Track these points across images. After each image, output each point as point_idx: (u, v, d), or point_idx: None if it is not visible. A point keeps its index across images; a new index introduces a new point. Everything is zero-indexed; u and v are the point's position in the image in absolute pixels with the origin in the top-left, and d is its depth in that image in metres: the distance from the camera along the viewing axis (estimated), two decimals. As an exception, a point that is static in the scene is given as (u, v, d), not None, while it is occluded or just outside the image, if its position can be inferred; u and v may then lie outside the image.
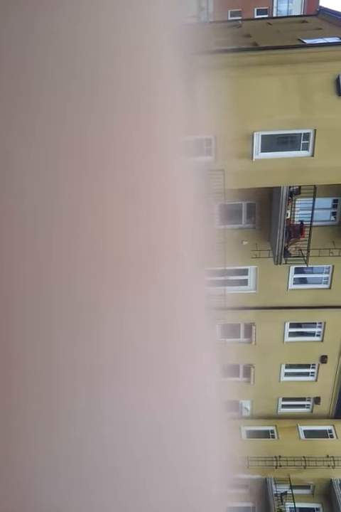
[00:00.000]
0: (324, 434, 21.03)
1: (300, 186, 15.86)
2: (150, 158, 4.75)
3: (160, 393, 5.03)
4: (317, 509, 20.69)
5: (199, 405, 6.04)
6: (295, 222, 16.74)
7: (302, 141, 14.42)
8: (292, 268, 18.18)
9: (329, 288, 18.42)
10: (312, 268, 18.17)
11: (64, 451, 4.37)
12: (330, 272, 18.21)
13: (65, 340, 4.32)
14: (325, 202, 16.98)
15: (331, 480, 20.00)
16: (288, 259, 16.87)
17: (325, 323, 19.24)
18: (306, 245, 16.33)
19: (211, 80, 12.28)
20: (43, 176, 4.00)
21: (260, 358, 19.99)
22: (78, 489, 4.53)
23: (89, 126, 4.07)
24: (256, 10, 36.39)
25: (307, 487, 20.66)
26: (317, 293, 18.59)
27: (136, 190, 4.58)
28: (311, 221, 15.97)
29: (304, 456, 19.75)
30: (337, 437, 20.76)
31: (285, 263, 17.05)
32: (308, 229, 16.15)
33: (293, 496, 19.55)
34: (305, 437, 20.89)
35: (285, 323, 19.44)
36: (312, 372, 20.62)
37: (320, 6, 24.33)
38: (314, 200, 15.51)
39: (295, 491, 19.72)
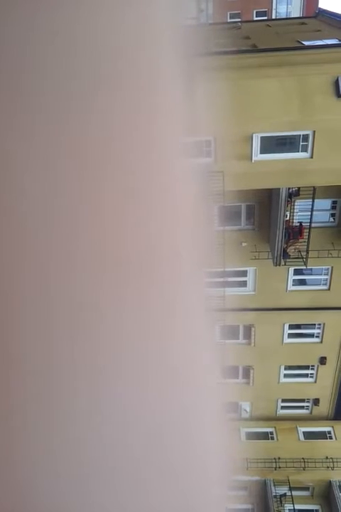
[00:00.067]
0: (323, 436, 21.02)
1: (299, 188, 15.88)
2: (150, 158, 4.75)
3: (159, 393, 5.03)
4: (317, 511, 20.67)
5: (198, 406, 6.03)
6: (294, 224, 16.75)
7: (301, 143, 14.44)
8: (291, 269, 18.18)
9: (329, 289, 18.42)
10: (311, 269, 18.17)
11: (64, 451, 4.37)
12: (329, 274, 18.22)
13: (65, 340, 4.32)
14: (324, 203, 16.99)
15: (330, 481, 19.99)
16: (287, 260, 16.87)
17: (324, 324, 19.24)
18: (305, 247, 16.33)
19: (210, 81, 12.28)
20: (43, 176, 4.00)
21: (259, 360, 19.98)
22: (78, 489, 4.53)
23: (90, 126, 4.08)
24: (255, 12, 36.48)
25: (306, 489, 20.64)
26: (316, 294, 18.60)
27: (136, 190, 4.58)
28: (310, 222, 15.97)
29: (303, 458, 19.74)
30: (336, 439, 20.75)
31: (285, 264, 17.05)
32: (307, 230, 16.15)
33: (292, 498, 19.52)
34: (305, 439, 20.88)
35: (284, 325, 19.44)
36: (311, 374, 20.62)
37: (319, 8, 24.39)
38: (313, 201, 15.51)
39: (294, 493, 19.70)
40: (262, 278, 18.33)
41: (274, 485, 19.83)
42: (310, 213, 15.81)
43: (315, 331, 19.59)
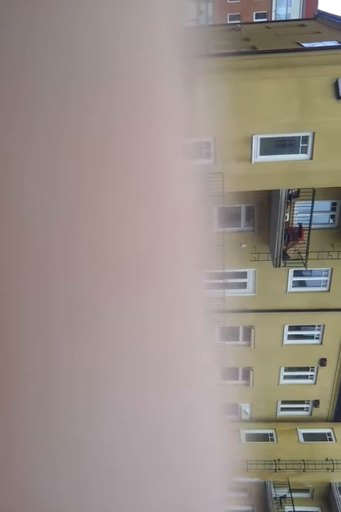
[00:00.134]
0: (323, 438, 20.99)
1: (299, 189, 15.88)
2: (150, 159, 4.75)
3: (159, 394, 5.02)
4: (316, 513, 20.67)
5: (198, 407, 6.02)
6: (294, 225, 16.75)
7: (301, 145, 14.45)
8: (291, 271, 18.18)
9: (328, 291, 18.41)
10: (311, 271, 18.17)
11: (63, 452, 4.36)
12: (329, 275, 18.21)
13: (65, 340, 4.32)
14: (323, 205, 16.99)
15: (330, 483, 19.96)
16: (287, 262, 16.87)
17: (324, 326, 19.23)
18: (305, 248, 16.33)
19: (210, 83, 12.29)
20: (43, 176, 4.00)
21: (259, 361, 19.97)
22: (77, 489, 4.52)
23: (89, 127, 4.08)
24: (254, 14, 36.55)
25: (306, 490, 20.61)
26: (316, 296, 18.59)
27: (136, 190, 4.58)
28: (310, 224, 15.98)
29: (303, 460, 19.71)
30: (336, 440, 20.72)
31: (284, 266, 17.04)
32: (307, 232, 16.15)
33: (292, 500, 19.50)
34: (304, 440, 20.85)
35: (284, 326, 19.42)
36: (311, 375, 20.60)
37: (319, 10, 24.44)
38: (313, 203, 15.52)
39: (294, 495, 19.66)
40: (262, 279, 18.33)
41: (274, 487, 19.80)
42: (309, 215, 15.82)
43: (315, 333, 19.58)
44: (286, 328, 19.49)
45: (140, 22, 4.30)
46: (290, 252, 16.71)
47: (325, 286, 18.42)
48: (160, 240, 5.13)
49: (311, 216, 15.80)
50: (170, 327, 5.41)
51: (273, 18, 36.84)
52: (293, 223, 16.71)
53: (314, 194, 15.31)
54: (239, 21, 31.61)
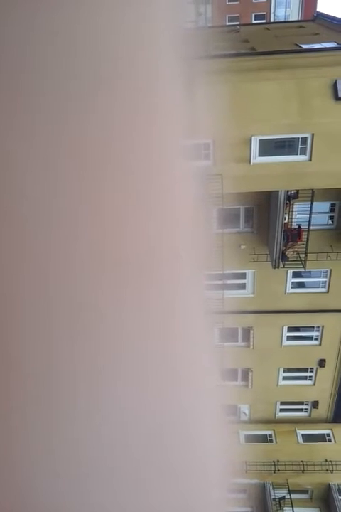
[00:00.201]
0: (322, 439, 21.01)
1: (297, 190, 15.92)
2: (150, 159, 4.75)
3: (159, 394, 5.02)
4: (315, 514, 20.66)
5: (198, 407, 6.02)
6: (292, 226, 16.78)
7: (300, 146, 14.48)
8: (290, 272, 18.21)
9: (327, 292, 18.45)
10: (310, 272, 18.21)
11: (63, 452, 4.36)
12: (328, 276, 18.25)
13: (65, 340, 4.31)
14: (322, 206, 17.03)
15: (329, 484, 19.98)
16: (286, 263, 16.90)
17: (322, 327, 19.26)
18: (304, 249, 16.37)
19: (209, 84, 12.31)
20: (43, 176, 4.00)
21: (258, 362, 19.99)
22: (77, 489, 4.52)
23: (89, 126, 4.08)
24: (253, 15, 36.62)
25: (305, 492, 20.62)
26: (315, 297, 18.62)
27: (136, 190, 4.58)
28: (309, 225, 16.02)
29: (302, 461, 19.72)
30: (335, 441, 20.74)
31: (283, 267, 17.08)
32: (306, 233, 16.19)
33: (291, 501, 19.50)
34: (303, 441, 20.87)
35: (283, 327, 19.45)
36: (310, 377, 20.63)
37: (317, 12, 24.50)
38: (312, 204, 15.56)
39: (293, 496, 19.67)
40: (261, 280, 18.36)
41: (273, 488, 19.81)
42: (308, 216, 15.87)
43: (314, 334, 19.61)
44: (285, 329, 19.51)
45: (140, 22, 4.31)
46: (289, 253, 16.74)
47: (324, 287, 18.46)
48: (160, 240, 5.12)
49: (310, 217, 15.84)
50: (170, 327, 5.40)
51: (272, 20, 36.91)
52: (291, 224, 16.75)
53: (313, 195, 15.34)
54: (237, 23, 31.64)
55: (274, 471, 19.73)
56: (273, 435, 21.04)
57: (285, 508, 19.63)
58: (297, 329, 19.79)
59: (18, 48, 3.77)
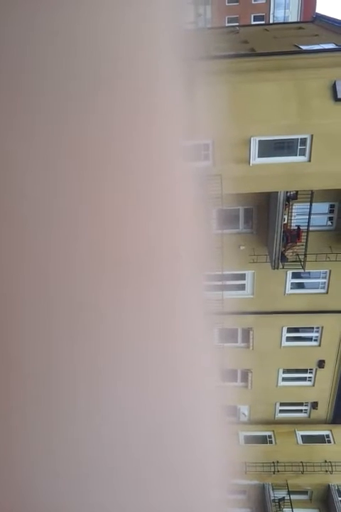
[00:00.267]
0: (321, 439, 21.01)
1: (297, 191, 15.93)
2: (150, 159, 4.75)
3: (159, 394, 5.02)
4: (315, 515, 20.65)
5: (197, 408, 6.02)
6: (292, 227, 16.80)
7: (299, 147, 14.50)
8: (289, 273, 18.22)
9: (327, 293, 18.46)
10: (309, 273, 18.23)
11: (63, 452, 4.35)
12: (327, 277, 18.26)
13: (65, 340, 4.31)
14: (321, 207, 17.06)
15: (329, 485, 19.98)
16: (286, 264, 16.92)
17: (322, 327, 19.27)
18: (303, 250, 16.39)
19: (208, 85, 12.30)
20: (43, 176, 3.99)
21: (257, 363, 19.99)
22: (77, 489, 4.51)
23: (89, 126, 4.07)
24: (253, 16, 36.67)
25: (304, 493, 20.61)
26: (314, 298, 18.63)
27: (136, 190, 4.58)
28: (308, 226, 16.04)
29: (302, 462, 19.72)
30: (334, 442, 20.74)
31: (283, 268, 17.09)
32: (305, 234, 16.21)
33: (290, 502, 19.50)
34: (303, 442, 20.86)
35: (282, 328, 19.46)
36: (309, 377, 20.63)
37: (316, 13, 24.54)
38: (311, 205, 15.58)
39: (292, 497, 19.67)
40: (260, 281, 18.37)
41: (273, 489, 19.80)
42: (308, 217, 15.89)
43: (314, 335, 19.61)
44: (285, 329, 19.52)
45: (140, 22, 4.31)
46: (289, 254, 16.76)
47: (323, 288, 18.48)
48: (160, 240, 5.12)
49: (309, 218, 15.86)
50: (170, 327, 5.40)
51: (271, 21, 36.96)
52: (291, 225, 16.77)
53: (312, 196, 15.36)
54: (237, 24, 31.68)
55: (274, 472, 19.72)
56: (272, 436, 21.03)
57: (284, 509, 19.62)
58: (296, 330, 19.80)
59: (18, 47, 3.77)
